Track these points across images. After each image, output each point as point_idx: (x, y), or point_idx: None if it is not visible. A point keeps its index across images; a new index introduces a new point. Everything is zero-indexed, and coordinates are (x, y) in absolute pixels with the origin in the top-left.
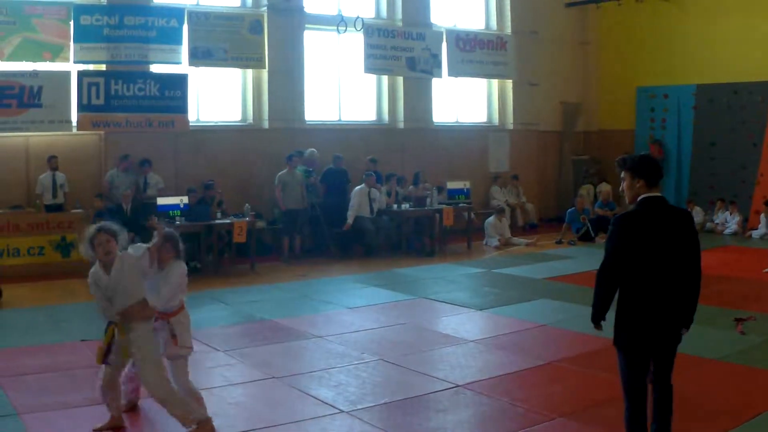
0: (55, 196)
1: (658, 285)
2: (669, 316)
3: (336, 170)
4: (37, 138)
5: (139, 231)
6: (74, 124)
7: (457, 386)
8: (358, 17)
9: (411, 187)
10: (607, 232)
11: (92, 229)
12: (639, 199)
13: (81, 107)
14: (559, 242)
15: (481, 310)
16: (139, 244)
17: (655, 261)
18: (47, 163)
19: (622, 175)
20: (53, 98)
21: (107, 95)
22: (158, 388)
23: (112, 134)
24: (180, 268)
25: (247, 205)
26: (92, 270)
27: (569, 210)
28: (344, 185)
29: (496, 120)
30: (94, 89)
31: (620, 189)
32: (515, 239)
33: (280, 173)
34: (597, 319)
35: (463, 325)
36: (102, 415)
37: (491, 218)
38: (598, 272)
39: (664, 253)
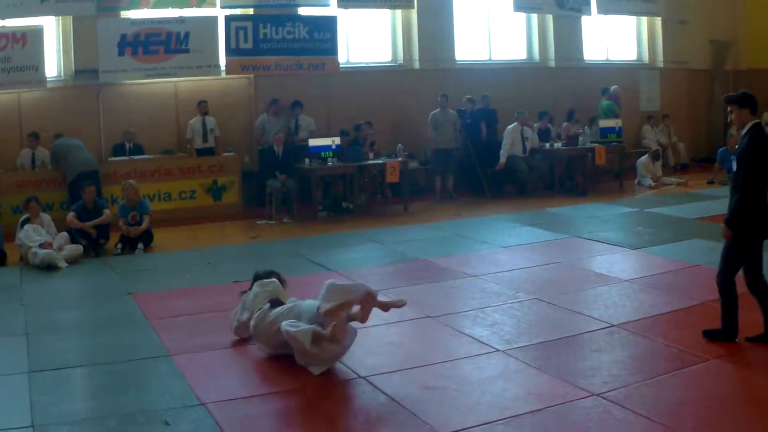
0: (205, 140)
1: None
2: None
3: (485, 110)
4: (186, 83)
5: (291, 173)
6: (223, 68)
7: (612, 326)
8: None
9: (565, 123)
10: None
11: None
12: (751, 124)
13: (229, 51)
14: (711, 182)
15: (634, 249)
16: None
17: None
18: (197, 107)
19: (729, 108)
20: (201, 43)
21: (255, 39)
22: None
23: (262, 78)
24: None
25: (399, 145)
26: None
27: (720, 150)
28: (494, 125)
29: (646, 58)
30: (242, 33)
31: (728, 120)
32: (667, 179)
33: (432, 113)
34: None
35: (617, 264)
36: (252, 357)
37: (644, 158)
38: (754, 188)
39: None
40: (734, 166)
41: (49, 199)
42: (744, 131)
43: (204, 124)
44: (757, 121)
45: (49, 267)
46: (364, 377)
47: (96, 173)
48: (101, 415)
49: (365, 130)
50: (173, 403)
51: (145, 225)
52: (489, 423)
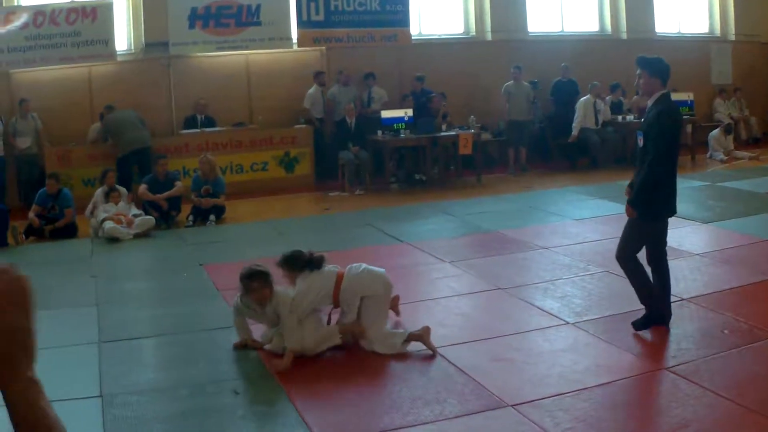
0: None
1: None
2: None
3: (565, 82)
4: (257, 56)
5: (363, 145)
6: (294, 41)
7: (682, 300)
8: None
9: (635, 97)
10: None
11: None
12: (660, 95)
13: (301, 24)
14: None
15: (705, 223)
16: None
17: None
18: (314, 78)
19: (639, 72)
20: (272, 16)
21: (327, 11)
22: None
23: (334, 50)
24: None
25: (472, 117)
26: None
27: None
28: (573, 97)
29: (717, 31)
30: (313, 5)
31: (635, 84)
32: (738, 153)
33: (506, 84)
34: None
35: (688, 237)
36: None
37: (715, 132)
38: (662, 165)
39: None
40: (640, 141)
41: None
42: (651, 103)
43: (322, 94)
44: (666, 92)
45: (113, 239)
46: None
47: (147, 150)
48: (171, 385)
49: (436, 102)
50: (243, 373)
51: (218, 200)
52: (558, 395)
